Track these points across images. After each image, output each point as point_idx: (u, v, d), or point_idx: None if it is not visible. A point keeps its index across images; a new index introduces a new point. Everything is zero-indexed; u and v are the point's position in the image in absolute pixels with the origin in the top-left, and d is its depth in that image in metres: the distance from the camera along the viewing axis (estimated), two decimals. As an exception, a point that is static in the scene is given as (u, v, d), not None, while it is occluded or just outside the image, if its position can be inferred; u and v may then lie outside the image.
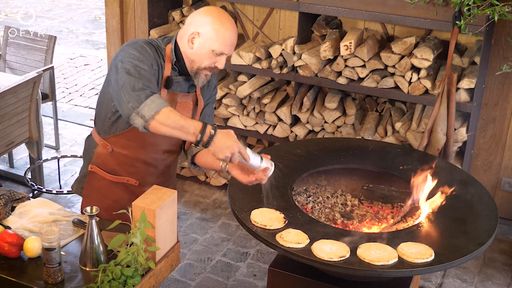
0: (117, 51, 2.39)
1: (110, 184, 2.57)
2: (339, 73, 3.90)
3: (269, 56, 4.11)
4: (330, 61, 3.94)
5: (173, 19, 4.51)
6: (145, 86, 2.23)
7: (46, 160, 4.44)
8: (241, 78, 4.30)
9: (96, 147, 2.55)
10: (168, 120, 2.18)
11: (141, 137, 2.46)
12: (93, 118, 2.62)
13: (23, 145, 4.36)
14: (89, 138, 2.64)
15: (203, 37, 2.34)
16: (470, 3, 3.04)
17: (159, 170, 2.60)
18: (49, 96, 4.79)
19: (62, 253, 2.17)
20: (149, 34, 4.33)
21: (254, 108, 4.19)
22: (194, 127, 2.18)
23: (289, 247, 2.27)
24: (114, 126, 2.48)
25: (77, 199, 4.31)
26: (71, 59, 7.38)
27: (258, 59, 4.12)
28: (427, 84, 3.66)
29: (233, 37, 2.36)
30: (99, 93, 2.57)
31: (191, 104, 2.53)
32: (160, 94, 2.37)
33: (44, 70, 4.54)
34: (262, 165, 2.27)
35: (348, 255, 2.24)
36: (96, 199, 2.55)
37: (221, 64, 2.39)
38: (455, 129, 3.65)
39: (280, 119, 4.16)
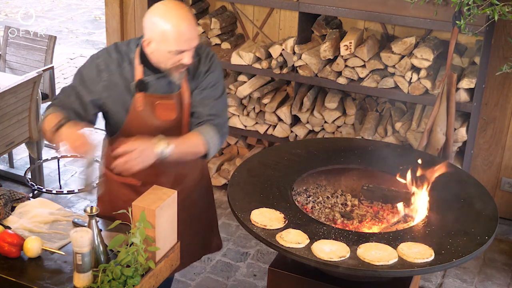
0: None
1: (118, 185, 2.58)
2: (339, 73, 3.90)
3: (269, 56, 4.11)
4: (330, 61, 3.94)
5: (173, 19, 4.50)
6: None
7: (46, 160, 4.44)
8: (241, 78, 4.30)
9: (105, 147, 2.58)
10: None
11: (133, 134, 2.37)
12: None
13: (23, 145, 4.35)
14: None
15: (156, 40, 2.30)
16: (470, 3, 3.03)
17: (158, 170, 2.55)
18: (49, 96, 4.79)
19: (63, 253, 2.17)
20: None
21: (254, 108, 4.19)
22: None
23: (289, 247, 2.27)
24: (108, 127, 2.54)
25: (77, 199, 4.31)
26: (71, 59, 7.38)
27: (258, 59, 4.12)
28: (427, 84, 3.66)
29: (186, 32, 2.28)
30: None
31: (174, 103, 2.46)
32: (136, 98, 2.39)
33: (44, 70, 4.54)
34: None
35: (348, 255, 2.24)
36: (107, 201, 2.58)
37: (187, 60, 2.33)
38: (455, 129, 3.65)
39: (280, 119, 4.16)
